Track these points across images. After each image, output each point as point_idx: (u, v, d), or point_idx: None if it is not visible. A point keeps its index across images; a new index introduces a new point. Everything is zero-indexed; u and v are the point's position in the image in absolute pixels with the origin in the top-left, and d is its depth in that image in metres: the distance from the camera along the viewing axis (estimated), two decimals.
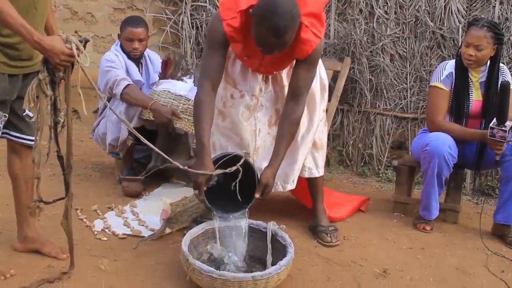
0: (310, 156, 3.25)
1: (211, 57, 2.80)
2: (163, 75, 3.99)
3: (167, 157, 2.53)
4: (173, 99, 3.78)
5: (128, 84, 3.77)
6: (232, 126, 3.10)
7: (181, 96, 3.79)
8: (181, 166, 2.53)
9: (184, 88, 3.85)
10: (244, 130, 3.08)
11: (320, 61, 3.10)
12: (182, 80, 3.98)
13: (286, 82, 3.06)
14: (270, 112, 3.12)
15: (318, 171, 3.29)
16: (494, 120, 3.22)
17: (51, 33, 2.74)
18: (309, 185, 3.38)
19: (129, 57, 3.96)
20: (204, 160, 2.66)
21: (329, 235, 3.23)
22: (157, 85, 3.89)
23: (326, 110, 3.53)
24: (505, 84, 3.21)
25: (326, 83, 3.27)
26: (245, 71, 3.07)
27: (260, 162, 3.09)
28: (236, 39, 2.76)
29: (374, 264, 2.98)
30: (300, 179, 3.29)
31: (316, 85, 3.11)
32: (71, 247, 2.59)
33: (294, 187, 3.22)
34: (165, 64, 4.02)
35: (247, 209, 2.75)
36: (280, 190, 3.22)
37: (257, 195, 2.75)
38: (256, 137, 3.10)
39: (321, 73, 3.20)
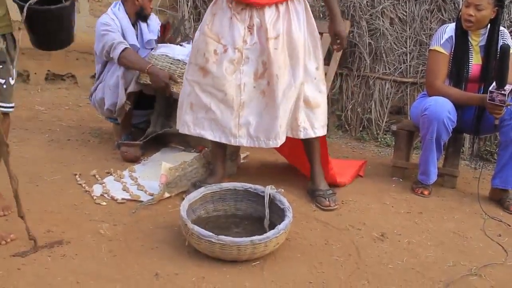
0: (303, 115, 3.17)
1: None
2: (161, 40, 3.95)
3: None
4: (171, 63, 3.76)
5: (126, 48, 3.74)
6: (214, 82, 3.06)
7: (179, 60, 3.77)
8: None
9: (182, 52, 3.83)
10: (229, 85, 3.05)
11: (312, 19, 3.13)
12: (181, 45, 3.95)
13: (271, 34, 3.00)
14: (255, 65, 3.06)
15: (314, 132, 3.21)
16: (494, 84, 3.19)
17: None
18: (305, 147, 3.33)
19: (144, 18, 3.96)
20: None
21: (327, 199, 3.23)
22: (155, 50, 3.87)
23: (325, 74, 3.50)
24: (505, 48, 3.18)
25: (318, 41, 3.20)
26: (229, 22, 3.04)
27: (247, 117, 3.07)
28: None
29: (372, 228, 3.00)
30: (298, 144, 3.28)
31: (298, 39, 3.05)
32: (15, 194, 2.52)
33: (278, 146, 3.15)
34: (164, 28, 3.98)
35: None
36: (263, 146, 3.15)
37: (335, 47, 3.25)
38: (241, 91, 3.06)
39: (309, 29, 3.14)
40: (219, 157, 3.34)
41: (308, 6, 3.15)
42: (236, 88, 3.05)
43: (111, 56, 3.75)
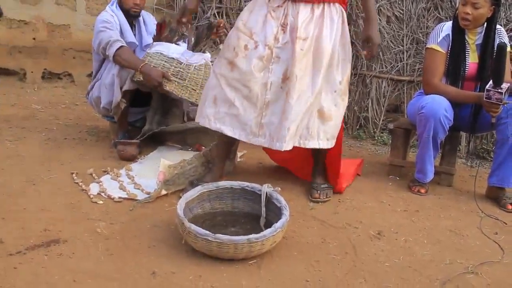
0: (316, 125, 3.13)
1: None
2: (157, 38, 3.95)
3: None
4: (165, 61, 3.76)
5: (121, 46, 3.73)
6: (240, 77, 3.02)
7: (174, 59, 3.77)
8: None
9: (177, 51, 3.83)
10: (255, 82, 3.01)
11: (347, 31, 3.10)
12: (177, 44, 3.96)
13: (301, 34, 2.96)
14: (286, 65, 3.00)
15: (318, 143, 3.16)
16: (490, 82, 3.20)
17: None
18: (312, 150, 3.32)
19: (129, 15, 3.94)
20: None
21: (319, 191, 3.26)
22: (150, 48, 3.87)
23: None
24: (502, 46, 3.19)
25: (349, 54, 3.14)
26: (263, 19, 3.03)
27: (270, 117, 3.02)
28: None
29: (369, 226, 3.00)
30: (299, 150, 3.28)
31: (326, 47, 3.01)
32: None
33: (281, 149, 3.03)
34: (160, 26, 3.98)
35: None
36: (272, 147, 3.06)
37: (365, 53, 3.13)
38: (266, 90, 3.02)
39: (342, 41, 3.10)
40: (222, 155, 3.33)
41: (345, 17, 3.11)
42: (262, 86, 3.01)
43: (107, 53, 3.75)
